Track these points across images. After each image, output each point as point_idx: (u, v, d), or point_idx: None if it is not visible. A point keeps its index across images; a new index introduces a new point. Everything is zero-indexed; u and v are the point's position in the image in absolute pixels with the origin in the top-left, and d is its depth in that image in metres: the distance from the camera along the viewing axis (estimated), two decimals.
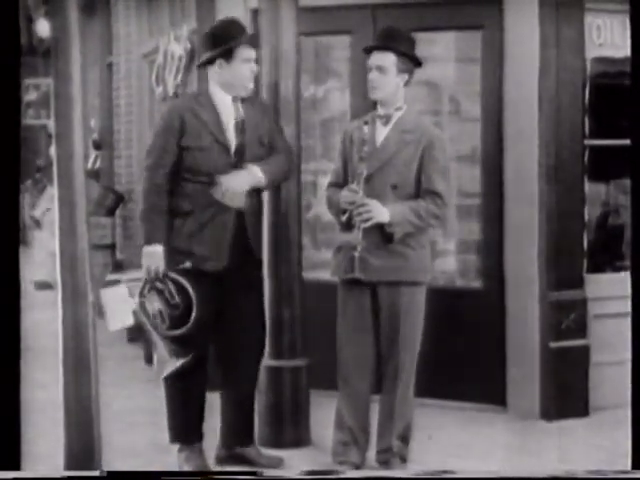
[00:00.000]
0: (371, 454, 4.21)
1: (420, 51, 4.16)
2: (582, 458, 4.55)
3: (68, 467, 3.53)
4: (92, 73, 9.56)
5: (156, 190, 4.08)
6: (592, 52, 5.31)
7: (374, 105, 4.19)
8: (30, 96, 14.48)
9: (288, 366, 4.65)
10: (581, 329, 5.22)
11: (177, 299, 4.02)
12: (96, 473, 3.51)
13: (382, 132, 4.11)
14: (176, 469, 4.20)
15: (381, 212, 3.97)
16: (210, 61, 4.16)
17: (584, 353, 5.22)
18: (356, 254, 4.02)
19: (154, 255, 4.06)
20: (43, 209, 10.33)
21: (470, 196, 5.43)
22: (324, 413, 4.40)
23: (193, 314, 4.00)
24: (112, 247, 8.74)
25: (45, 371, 3.98)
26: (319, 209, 5.50)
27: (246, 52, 4.14)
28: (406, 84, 4.12)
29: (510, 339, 5.25)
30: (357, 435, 4.16)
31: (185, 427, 4.23)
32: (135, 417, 5.18)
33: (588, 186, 5.37)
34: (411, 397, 4.16)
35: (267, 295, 4.51)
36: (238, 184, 4.08)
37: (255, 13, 5.17)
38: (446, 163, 4.13)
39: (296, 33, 4.62)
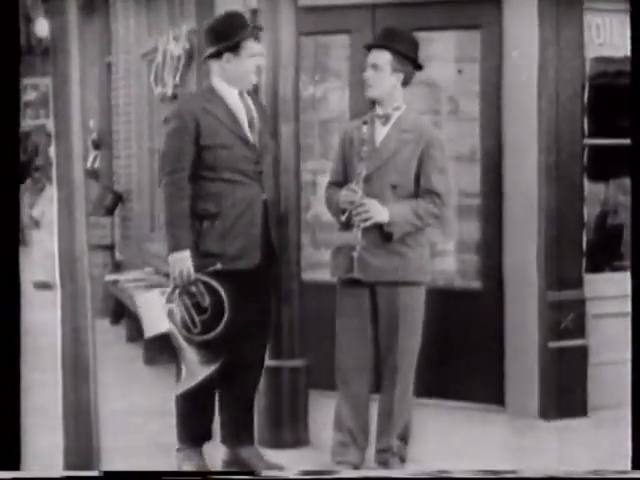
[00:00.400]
0: (370, 454, 4.21)
1: (420, 50, 4.16)
2: (581, 458, 4.55)
3: (67, 467, 3.52)
4: (91, 73, 9.55)
5: (179, 195, 4.00)
6: (591, 52, 5.31)
7: (373, 105, 4.19)
8: (29, 96, 14.47)
9: (287, 366, 4.64)
10: (580, 329, 5.22)
11: (208, 302, 3.97)
12: (95, 473, 3.51)
13: (381, 132, 4.11)
14: (175, 469, 4.20)
15: (380, 212, 3.97)
16: (215, 55, 4.12)
17: (583, 353, 5.22)
18: (355, 254, 4.01)
19: (183, 260, 3.97)
20: (42, 209, 10.32)
21: (469, 196, 5.43)
22: (323, 413, 4.40)
23: (225, 316, 3.95)
24: (111, 247, 8.74)
25: (44, 371, 3.97)
26: (318, 209, 5.50)
27: (253, 46, 4.12)
28: (405, 84, 4.12)
29: (509, 339, 5.25)
30: (356, 435, 4.16)
31: (198, 429, 4.21)
32: (134, 417, 5.18)
33: (587, 186, 5.36)
34: (410, 397, 4.16)
35: None
36: None
37: (254, 13, 5.17)
38: (445, 163, 4.13)
39: (295, 33, 4.62)
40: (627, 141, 3.82)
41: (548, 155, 5.15)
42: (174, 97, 7.21)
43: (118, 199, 8.88)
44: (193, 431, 4.21)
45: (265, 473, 4.08)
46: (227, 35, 4.08)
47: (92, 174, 9.15)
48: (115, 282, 7.54)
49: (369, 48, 4.11)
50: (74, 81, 3.45)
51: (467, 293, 5.43)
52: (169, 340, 4.15)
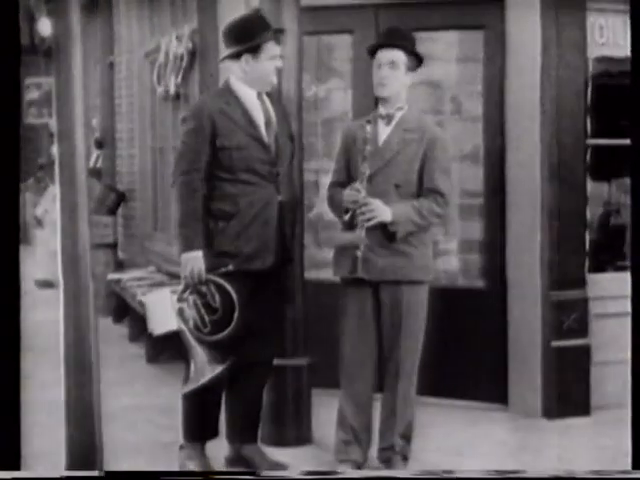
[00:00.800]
0: (373, 452, 4.21)
1: (422, 50, 4.16)
2: (583, 457, 4.55)
3: (69, 467, 3.53)
4: (94, 72, 9.57)
5: (193, 195, 3.97)
6: (594, 51, 5.31)
7: (375, 104, 4.19)
8: (32, 95, 14.50)
9: (290, 365, 4.64)
10: (582, 329, 5.22)
11: (218, 303, 3.97)
12: (95, 473, 3.51)
13: (384, 131, 4.11)
14: (178, 467, 4.20)
15: (384, 211, 3.97)
16: (235, 56, 4.08)
17: (585, 352, 5.22)
18: (359, 253, 4.01)
19: (195, 260, 3.95)
20: (45, 208, 10.34)
21: (472, 196, 5.43)
22: (326, 412, 4.40)
23: (235, 317, 3.94)
24: (114, 246, 8.75)
25: (46, 370, 3.98)
26: (321, 208, 5.50)
27: (273, 48, 4.08)
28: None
29: (512, 338, 5.25)
30: (359, 433, 4.16)
31: (204, 427, 4.20)
32: (136, 416, 5.18)
33: (590, 186, 5.36)
34: (413, 395, 4.16)
35: None
36: None
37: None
38: (448, 162, 4.14)
39: (298, 32, 4.62)
40: (629, 141, 3.82)
41: (551, 155, 5.15)
42: (176, 96, 7.22)
43: (121, 198, 8.88)
44: (199, 429, 4.21)
45: (267, 473, 4.07)
46: (248, 37, 4.03)
47: (95, 173, 9.16)
48: (118, 281, 7.55)
49: (379, 47, 4.09)
50: (77, 80, 3.46)
51: (470, 292, 5.43)
52: (172, 339, 4.15)
